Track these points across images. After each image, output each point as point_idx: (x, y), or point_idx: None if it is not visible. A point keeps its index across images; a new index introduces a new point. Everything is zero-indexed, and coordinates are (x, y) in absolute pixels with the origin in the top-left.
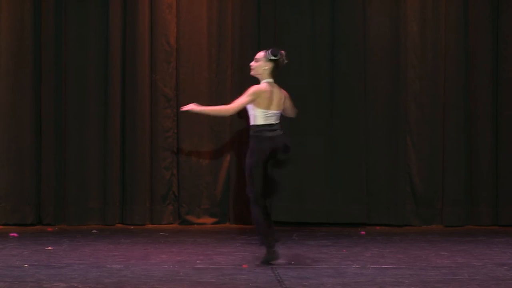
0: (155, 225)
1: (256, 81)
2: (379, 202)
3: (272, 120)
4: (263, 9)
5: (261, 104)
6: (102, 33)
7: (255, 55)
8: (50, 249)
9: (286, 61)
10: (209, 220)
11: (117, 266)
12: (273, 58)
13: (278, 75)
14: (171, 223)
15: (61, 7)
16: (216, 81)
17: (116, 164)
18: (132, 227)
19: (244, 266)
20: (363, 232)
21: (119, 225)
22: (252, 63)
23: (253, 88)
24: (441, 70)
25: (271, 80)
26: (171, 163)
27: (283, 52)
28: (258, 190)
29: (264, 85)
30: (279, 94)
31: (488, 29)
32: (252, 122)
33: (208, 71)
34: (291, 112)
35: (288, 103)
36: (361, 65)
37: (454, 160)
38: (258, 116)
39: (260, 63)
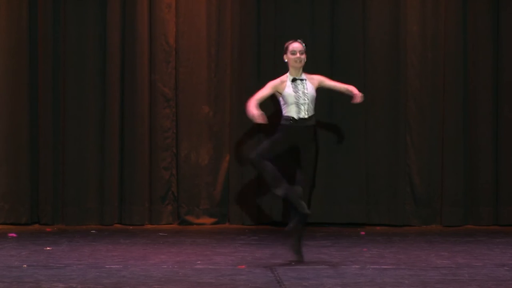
0: (154, 226)
1: (255, 82)
2: (379, 202)
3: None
4: (262, 9)
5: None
6: (100, 33)
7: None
8: (48, 249)
9: None
10: (208, 220)
11: (116, 266)
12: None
13: (278, 75)
14: (170, 224)
15: (59, 6)
16: (215, 80)
17: (115, 164)
18: (131, 227)
19: (240, 266)
20: (363, 233)
21: (118, 225)
22: (302, 56)
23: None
24: (441, 70)
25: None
26: (170, 163)
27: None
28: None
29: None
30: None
31: (488, 29)
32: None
33: (207, 71)
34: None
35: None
36: (361, 65)
37: (454, 160)
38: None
39: (305, 54)
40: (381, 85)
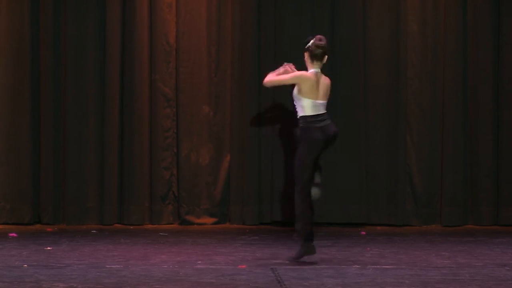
0: (154, 225)
1: (255, 82)
2: (379, 202)
3: (321, 110)
4: (263, 9)
5: (307, 93)
6: (101, 33)
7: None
8: (49, 249)
9: (318, 50)
10: (209, 220)
11: (117, 266)
12: (306, 47)
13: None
14: (171, 223)
15: (60, 6)
16: (215, 80)
17: (115, 164)
18: (131, 227)
19: (241, 266)
20: (363, 232)
21: (118, 225)
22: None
23: (299, 73)
24: (441, 70)
25: (317, 69)
26: (170, 163)
27: (311, 39)
28: (306, 182)
29: (310, 73)
30: (325, 83)
31: (488, 29)
32: (300, 113)
33: (207, 71)
34: None
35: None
36: (361, 65)
37: (454, 160)
38: (306, 107)
39: (305, 53)
40: (381, 85)
